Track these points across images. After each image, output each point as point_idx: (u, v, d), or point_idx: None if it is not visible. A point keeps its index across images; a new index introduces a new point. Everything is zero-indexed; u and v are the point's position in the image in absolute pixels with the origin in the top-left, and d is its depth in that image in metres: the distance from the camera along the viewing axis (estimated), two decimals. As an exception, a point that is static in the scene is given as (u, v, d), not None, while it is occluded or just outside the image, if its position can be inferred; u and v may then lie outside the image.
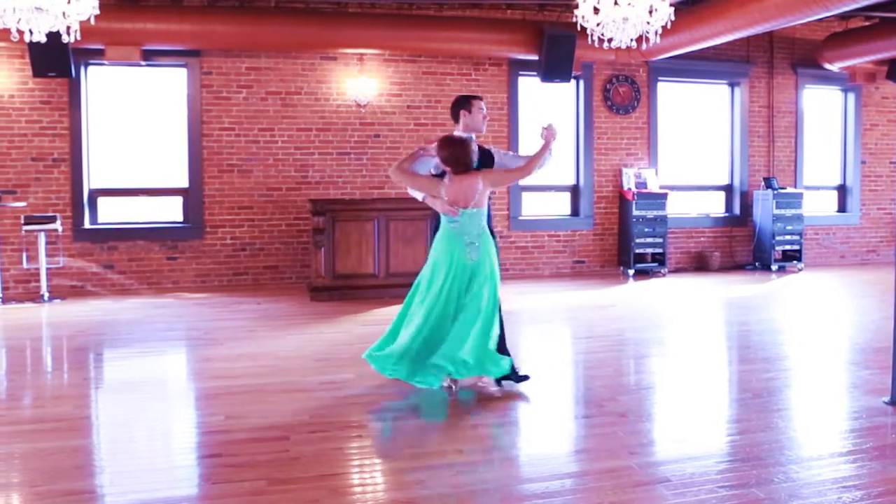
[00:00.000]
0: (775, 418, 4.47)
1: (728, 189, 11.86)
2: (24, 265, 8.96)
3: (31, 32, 5.69)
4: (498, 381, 5.03)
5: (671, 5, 6.53)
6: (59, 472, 3.65)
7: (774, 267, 11.28)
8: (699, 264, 11.50)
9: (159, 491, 3.46)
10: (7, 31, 5.74)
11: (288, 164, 9.89)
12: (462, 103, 5.37)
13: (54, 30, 5.75)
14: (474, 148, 5.07)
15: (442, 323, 4.94)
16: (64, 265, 9.18)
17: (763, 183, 11.46)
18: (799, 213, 11.31)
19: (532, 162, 5.10)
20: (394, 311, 7.93)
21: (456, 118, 5.38)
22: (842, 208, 12.46)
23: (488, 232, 5.12)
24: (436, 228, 5.29)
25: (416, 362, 4.93)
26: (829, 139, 12.39)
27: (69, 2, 5.67)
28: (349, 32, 9.45)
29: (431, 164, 5.20)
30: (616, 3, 6.45)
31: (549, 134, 5.14)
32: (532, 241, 10.82)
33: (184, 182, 9.72)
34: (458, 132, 5.30)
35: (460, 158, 4.99)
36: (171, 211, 9.83)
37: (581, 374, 5.76)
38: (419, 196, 5.17)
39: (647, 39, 6.74)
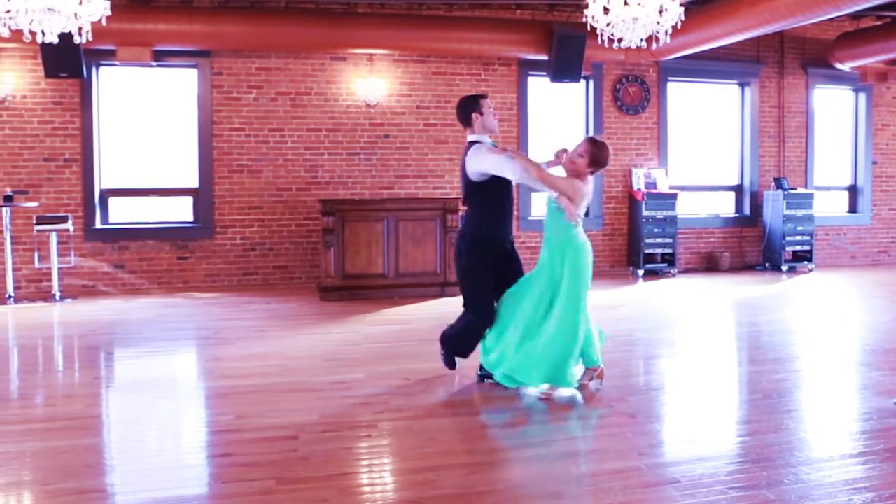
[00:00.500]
0: (785, 419, 4.45)
1: (738, 189, 11.82)
2: (36, 265, 9.02)
3: (43, 33, 5.74)
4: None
5: (681, 5, 6.52)
6: (71, 471, 3.68)
7: (785, 267, 11.24)
8: (709, 265, 11.47)
9: (169, 490, 3.48)
10: (20, 31, 5.79)
11: (298, 165, 9.91)
12: (472, 105, 5.13)
13: (66, 31, 5.80)
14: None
15: None
16: (75, 265, 9.23)
17: (773, 183, 11.42)
18: (809, 214, 11.27)
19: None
20: (404, 310, 8.03)
21: (468, 122, 5.13)
22: (853, 209, 12.40)
23: None
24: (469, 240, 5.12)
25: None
26: (839, 139, 12.33)
27: (81, 3, 5.71)
28: (359, 33, 9.46)
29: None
30: (626, 3, 6.44)
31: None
32: (541, 241, 10.78)
33: (194, 182, 9.76)
34: (475, 135, 5.11)
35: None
36: (181, 211, 9.87)
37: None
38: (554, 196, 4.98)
39: (657, 39, 6.73)
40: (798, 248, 11.36)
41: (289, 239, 9.92)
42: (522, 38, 9.98)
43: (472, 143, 5.10)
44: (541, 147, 10.79)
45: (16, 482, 3.60)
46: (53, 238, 8.80)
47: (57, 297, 8.74)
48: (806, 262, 11.35)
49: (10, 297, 8.58)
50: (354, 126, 10.06)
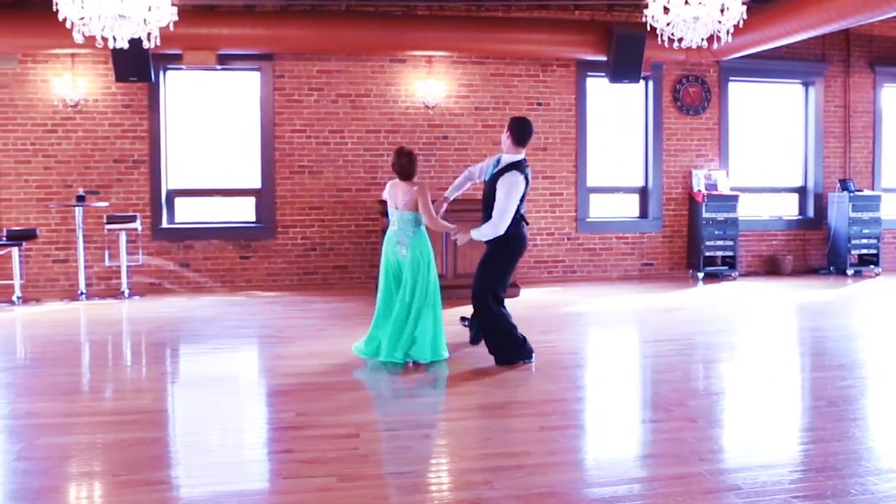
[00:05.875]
0: (852, 428, 4.35)
1: (801, 191, 11.56)
2: (107, 263, 9.31)
3: (114, 39, 5.93)
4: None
5: (743, 4, 6.42)
6: (139, 463, 3.80)
7: (850, 271, 10.95)
8: (771, 268, 11.24)
9: (232, 484, 3.57)
10: (92, 38, 6.00)
11: (357, 166, 10.02)
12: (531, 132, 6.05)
13: (136, 36, 5.99)
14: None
15: None
16: (143, 263, 9.50)
17: (838, 185, 11.13)
18: (877, 216, 10.96)
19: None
20: (462, 311, 8.07)
21: (524, 143, 6.04)
22: (923, 211, 12.01)
23: None
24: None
25: None
26: (910, 140, 11.96)
27: (150, 9, 5.89)
28: (418, 35, 9.54)
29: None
30: (687, 3, 6.37)
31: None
32: (600, 243, 10.73)
33: (256, 183, 9.95)
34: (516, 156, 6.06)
35: None
36: (244, 211, 10.07)
37: (649, 377, 5.70)
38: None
39: (719, 39, 6.64)
40: (864, 251, 11.06)
41: (348, 239, 10.04)
42: (581, 38, 9.92)
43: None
44: (599, 148, 10.73)
45: (87, 472, 3.74)
46: (122, 237, 9.07)
47: (125, 295, 9.01)
48: (872, 266, 11.04)
49: (81, 293, 8.88)
50: (413, 127, 10.13)
